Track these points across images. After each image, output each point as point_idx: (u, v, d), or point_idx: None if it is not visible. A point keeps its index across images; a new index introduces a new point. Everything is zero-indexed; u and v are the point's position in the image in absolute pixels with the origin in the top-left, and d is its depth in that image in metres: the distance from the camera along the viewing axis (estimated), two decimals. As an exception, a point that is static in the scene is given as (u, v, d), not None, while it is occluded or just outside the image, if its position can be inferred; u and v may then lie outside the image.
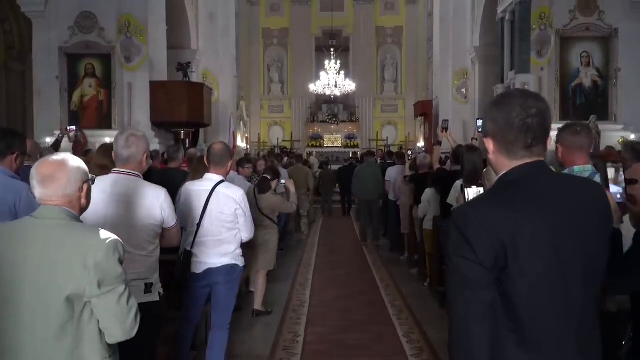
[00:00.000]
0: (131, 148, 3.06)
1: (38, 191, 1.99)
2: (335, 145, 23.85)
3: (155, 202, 3.07)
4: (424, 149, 17.25)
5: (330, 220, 14.44)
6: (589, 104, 12.00)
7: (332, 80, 21.46)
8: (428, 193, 6.79)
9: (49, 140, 10.95)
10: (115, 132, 11.83)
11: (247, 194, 5.84)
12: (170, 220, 3.16)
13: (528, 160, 1.61)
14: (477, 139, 6.76)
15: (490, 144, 1.66)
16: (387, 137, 24.10)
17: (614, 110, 12.09)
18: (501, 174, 1.65)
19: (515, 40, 12.25)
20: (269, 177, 5.95)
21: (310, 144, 23.84)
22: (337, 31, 23.71)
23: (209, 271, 3.86)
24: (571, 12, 12.01)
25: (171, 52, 13.59)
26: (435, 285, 6.68)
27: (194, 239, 3.82)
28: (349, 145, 23.80)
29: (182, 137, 12.83)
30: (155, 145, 11.47)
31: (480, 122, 6.28)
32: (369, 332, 5.49)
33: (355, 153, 22.40)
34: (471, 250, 1.50)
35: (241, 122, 19.64)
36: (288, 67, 24.89)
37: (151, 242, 3.08)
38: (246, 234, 4.00)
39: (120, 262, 1.99)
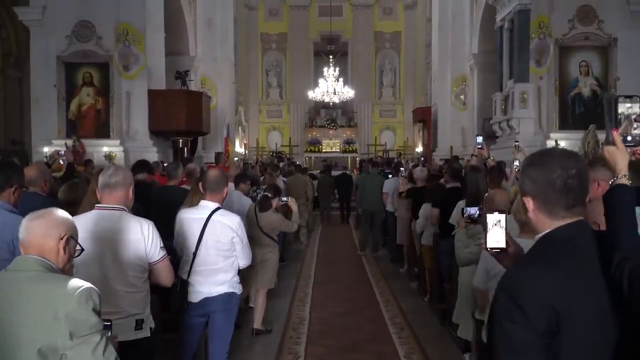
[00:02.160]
0: (118, 176, 3.01)
1: (21, 237, 2.03)
2: (334, 150, 23.79)
3: (139, 237, 2.96)
4: (422, 157, 17.20)
5: (328, 228, 14.39)
6: (587, 113, 11.97)
7: (330, 87, 21.39)
8: (425, 209, 6.75)
9: (47, 149, 10.91)
10: (113, 141, 11.94)
11: (248, 211, 5.84)
12: (155, 254, 3.00)
13: (569, 220, 1.62)
14: (477, 156, 6.67)
15: (530, 203, 1.68)
16: (386, 142, 24.09)
17: (613, 120, 12.07)
18: (544, 233, 1.66)
19: (514, 49, 12.24)
20: (269, 195, 5.90)
21: (308, 149, 23.81)
22: (335, 36, 23.69)
23: (206, 300, 3.80)
24: (570, 21, 12.00)
25: (169, 59, 13.56)
26: (435, 302, 6.65)
27: (190, 268, 3.78)
28: (348, 150, 23.75)
29: (181, 146, 12.80)
30: (153, 154, 11.45)
31: (480, 139, 6.19)
32: (369, 352, 5.44)
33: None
34: (523, 316, 1.49)
35: (239, 127, 19.60)
36: (286, 72, 24.85)
37: (139, 277, 3.00)
38: (243, 261, 3.94)
39: (95, 311, 1.94)
